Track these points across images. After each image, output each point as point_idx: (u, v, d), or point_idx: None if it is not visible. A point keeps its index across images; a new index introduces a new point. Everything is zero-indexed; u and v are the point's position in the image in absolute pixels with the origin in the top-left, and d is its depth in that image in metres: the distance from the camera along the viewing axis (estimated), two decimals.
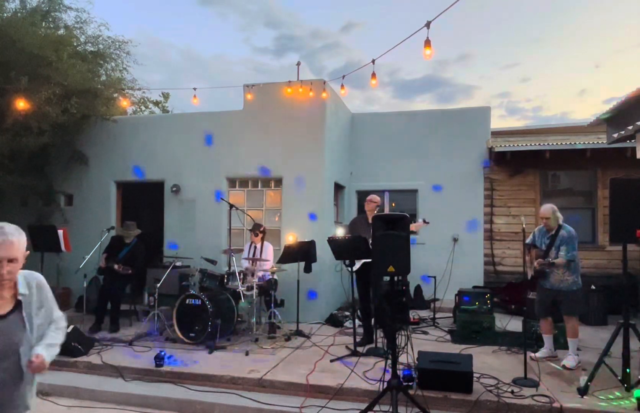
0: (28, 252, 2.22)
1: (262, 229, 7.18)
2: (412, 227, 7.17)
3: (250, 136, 8.27)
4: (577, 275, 5.37)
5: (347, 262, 6.12)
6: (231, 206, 7.09)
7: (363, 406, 4.13)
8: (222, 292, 6.56)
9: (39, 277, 2.30)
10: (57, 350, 2.26)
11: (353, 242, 5.84)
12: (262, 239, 7.16)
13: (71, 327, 5.53)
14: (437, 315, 7.69)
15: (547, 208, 5.55)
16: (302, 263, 6.93)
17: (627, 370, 4.47)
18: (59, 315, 2.37)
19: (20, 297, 2.16)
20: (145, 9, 57.77)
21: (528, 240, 5.73)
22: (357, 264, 6.11)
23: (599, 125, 7.28)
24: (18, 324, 2.14)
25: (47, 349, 2.18)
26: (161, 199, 8.76)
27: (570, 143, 8.69)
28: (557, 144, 8.64)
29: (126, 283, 7.29)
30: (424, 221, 6.33)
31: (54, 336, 2.28)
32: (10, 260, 2.08)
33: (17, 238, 2.12)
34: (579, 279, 5.40)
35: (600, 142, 8.29)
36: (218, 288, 6.64)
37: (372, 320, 6.24)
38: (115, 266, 6.95)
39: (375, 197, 6.37)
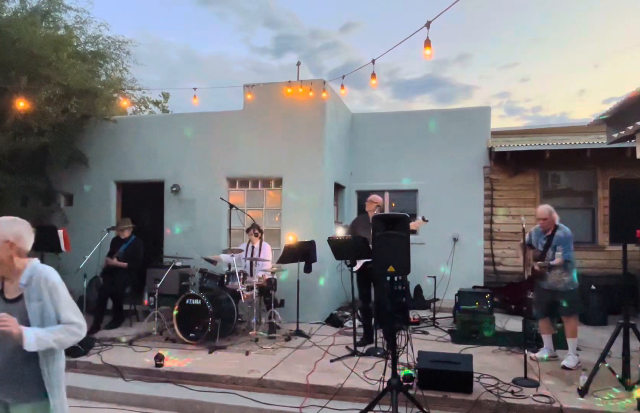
0: (11, 241, 2.31)
1: (261, 231, 7.21)
2: (412, 225, 7.18)
3: (250, 136, 8.27)
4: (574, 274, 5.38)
5: (349, 262, 6.13)
6: (231, 206, 7.10)
7: (363, 406, 4.13)
8: (222, 292, 6.56)
9: (45, 273, 2.37)
10: (50, 339, 2.27)
11: (353, 242, 5.84)
12: (261, 239, 7.18)
13: None
14: (437, 315, 7.70)
15: (544, 209, 5.55)
16: (302, 263, 6.92)
17: (627, 370, 4.47)
18: (69, 318, 2.36)
19: (20, 286, 2.34)
20: (145, 9, 57.77)
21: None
22: (358, 264, 6.12)
23: (599, 125, 7.27)
24: (21, 310, 2.31)
25: (34, 330, 2.24)
26: (161, 199, 8.76)
27: (570, 143, 8.69)
28: (557, 144, 8.64)
29: (127, 282, 7.32)
30: (423, 219, 6.32)
31: (55, 329, 2.31)
32: None
33: None
34: (576, 279, 5.40)
35: (600, 142, 8.28)
36: (218, 288, 6.64)
37: (372, 320, 6.25)
38: (109, 258, 7.20)
39: (376, 197, 6.38)
